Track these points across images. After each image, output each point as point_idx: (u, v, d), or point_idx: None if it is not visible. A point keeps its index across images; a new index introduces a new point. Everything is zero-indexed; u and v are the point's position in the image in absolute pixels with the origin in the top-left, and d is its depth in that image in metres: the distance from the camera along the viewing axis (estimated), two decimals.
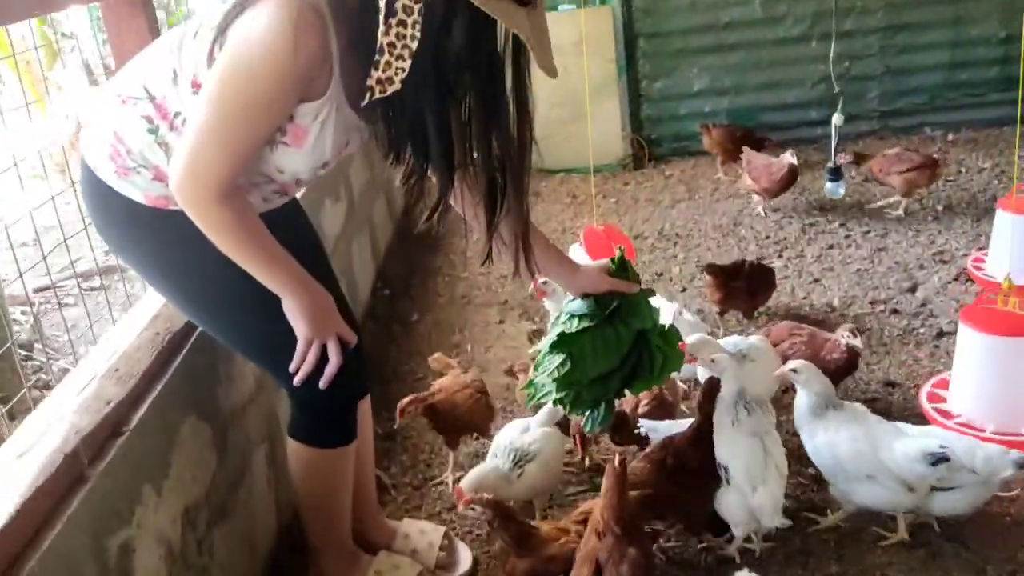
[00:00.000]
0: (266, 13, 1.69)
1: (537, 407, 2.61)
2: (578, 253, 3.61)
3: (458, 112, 1.89)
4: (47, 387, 3.82)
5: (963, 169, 5.18)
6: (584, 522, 2.20)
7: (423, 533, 2.56)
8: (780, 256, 4.29)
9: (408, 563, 2.44)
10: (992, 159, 5.27)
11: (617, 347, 2.31)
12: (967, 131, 5.77)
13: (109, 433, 1.83)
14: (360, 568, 2.39)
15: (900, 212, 4.59)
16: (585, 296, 2.35)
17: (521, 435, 2.56)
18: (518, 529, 2.11)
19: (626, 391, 2.37)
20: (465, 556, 2.54)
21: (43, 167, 2.53)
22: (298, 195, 2.29)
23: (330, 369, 2.00)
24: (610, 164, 5.91)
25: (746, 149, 4.85)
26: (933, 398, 2.73)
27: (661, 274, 4.27)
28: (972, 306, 2.73)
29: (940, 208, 4.66)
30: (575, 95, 5.45)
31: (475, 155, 1.96)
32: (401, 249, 4.96)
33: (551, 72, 1.81)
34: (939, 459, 2.22)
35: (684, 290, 4.08)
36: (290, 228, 2.16)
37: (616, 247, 2.47)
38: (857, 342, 2.73)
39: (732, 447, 2.37)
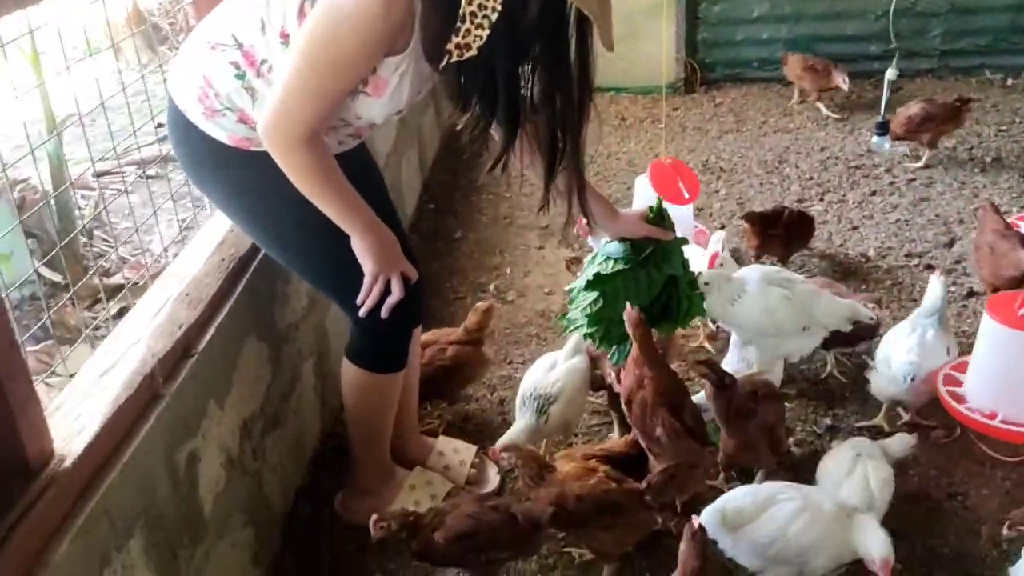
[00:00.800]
0: None
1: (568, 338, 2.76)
2: (643, 185, 3.67)
3: (527, 74, 2.01)
4: (107, 274, 4.03)
5: (1017, 119, 5.11)
6: (605, 458, 2.37)
7: (456, 452, 2.76)
8: (821, 200, 4.32)
9: (440, 479, 2.65)
10: None
11: (648, 290, 2.49)
12: None
13: (180, 355, 2.01)
14: (395, 482, 2.60)
15: (922, 163, 4.57)
16: (622, 240, 2.50)
17: (545, 375, 2.65)
18: (539, 470, 2.27)
19: (653, 331, 2.50)
20: (493, 475, 2.74)
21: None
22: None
23: (391, 301, 2.16)
24: (660, 86, 5.88)
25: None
26: (949, 380, 2.75)
27: (701, 209, 4.33)
28: (998, 297, 2.75)
29: (988, 160, 4.64)
30: (630, 12, 5.42)
31: (539, 114, 2.08)
32: (448, 160, 5.05)
33: (610, 47, 1.90)
34: None
35: (722, 227, 4.14)
36: (360, 169, 2.29)
37: (657, 198, 2.58)
38: (873, 315, 2.81)
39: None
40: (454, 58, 1.87)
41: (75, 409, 1.74)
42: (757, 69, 6.00)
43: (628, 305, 2.38)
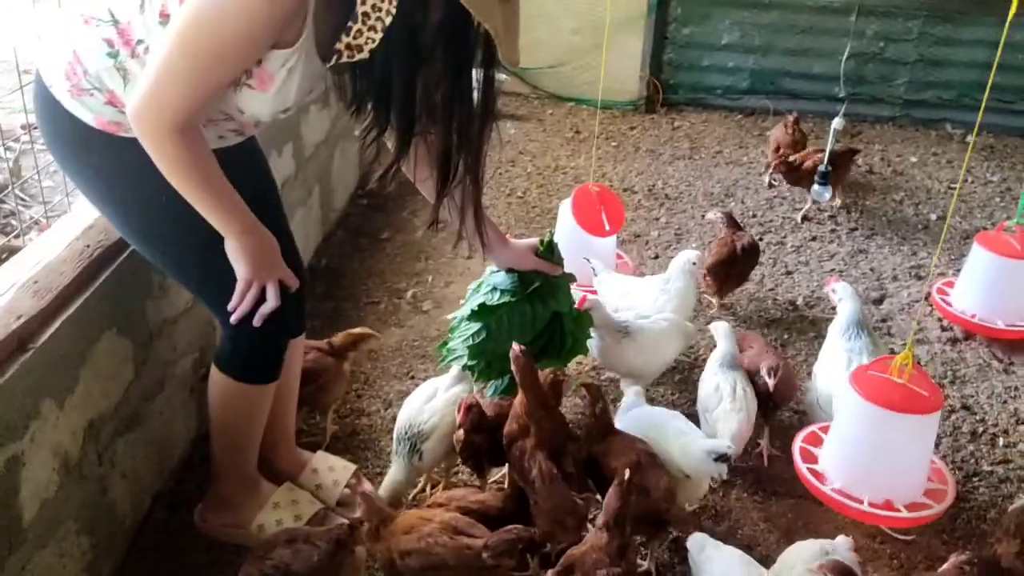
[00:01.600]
0: None
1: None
2: (565, 210, 3.55)
3: (425, 83, 1.90)
4: (17, 236, 3.83)
5: (970, 178, 5.06)
6: (475, 511, 2.22)
7: (331, 470, 2.62)
8: (760, 239, 4.24)
9: (308, 499, 2.50)
10: (1002, 172, 5.15)
11: (533, 325, 2.42)
12: (987, 135, 5.62)
13: (13, 348, 1.85)
14: (259, 497, 2.45)
15: (804, 212, 4.47)
16: (510, 271, 2.41)
17: (420, 409, 2.49)
18: (378, 524, 2.14)
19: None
20: None
21: None
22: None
23: (264, 309, 2.03)
24: (621, 102, 5.78)
25: None
26: (806, 455, 2.62)
27: (639, 236, 4.23)
28: (862, 369, 2.56)
29: (933, 218, 4.58)
30: (599, 25, 5.32)
31: (436, 126, 1.99)
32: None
33: (513, 64, 1.85)
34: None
35: (656, 257, 4.05)
36: (244, 167, 2.16)
37: (548, 232, 2.51)
38: (770, 383, 2.69)
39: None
40: (344, 59, 1.79)
41: None
42: (720, 96, 5.90)
43: (515, 344, 2.26)
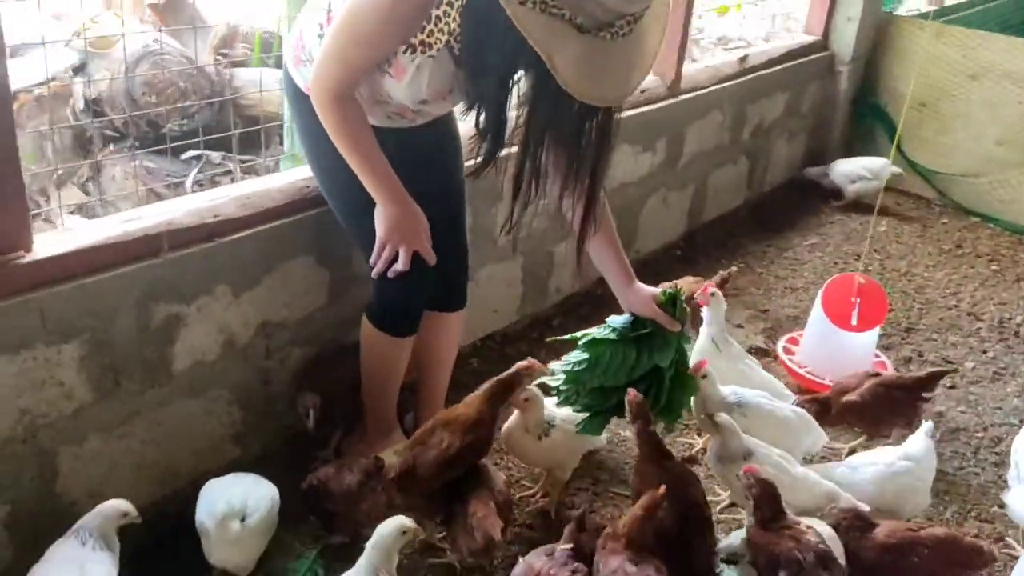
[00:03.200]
0: None
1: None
2: (817, 297, 3.35)
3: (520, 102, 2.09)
4: None
5: None
6: None
7: None
8: None
9: None
10: None
11: (631, 370, 2.40)
12: None
13: (202, 238, 2.39)
14: (390, 440, 2.77)
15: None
16: (633, 315, 2.42)
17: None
18: None
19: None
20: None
21: None
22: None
23: (394, 268, 2.34)
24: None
25: None
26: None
27: (949, 362, 3.72)
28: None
29: None
30: None
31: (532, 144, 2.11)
32: None
33: (572, 89, 1.86)
34: None
35: (952, 387, 3.56)
36: (429, 146, 2.50)
37: (682, 287, 2.45)
38: None
39: None
40: (417, 52, 2.06)
41: (64, 237, 2.20)
42: None
43: (631, 390, 2.31)
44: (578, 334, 2.55)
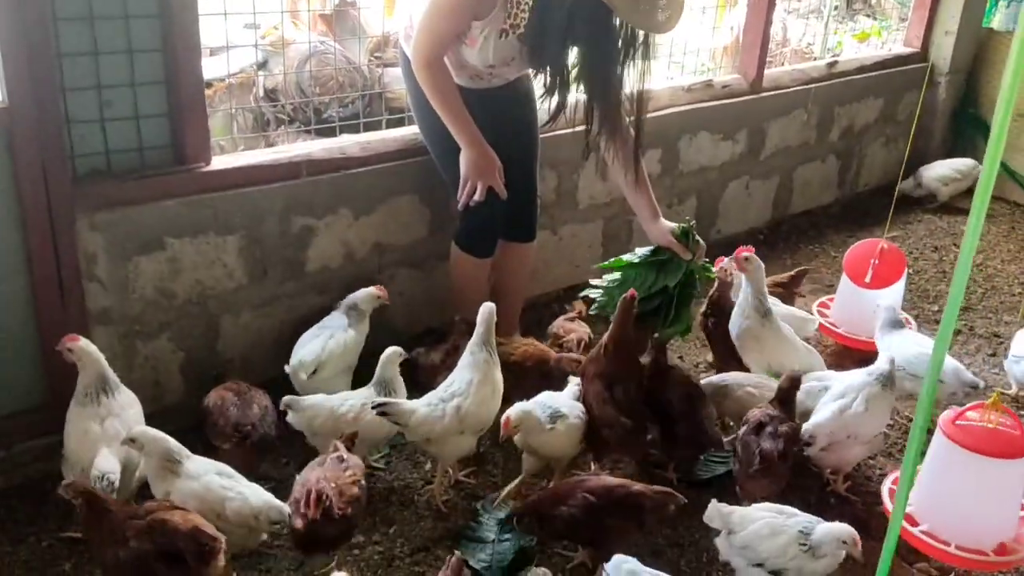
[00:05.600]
0: None
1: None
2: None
3: (580, 52, 2.84)
4: None
5: None
6: None
7: None
8: None
9: None
10: None
11: (648, 288, 3.03)
12: None
13: (332, 169, 3.18)
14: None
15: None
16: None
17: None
18: None
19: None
20: None
21: None
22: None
23: (473, 198, 3.05)
24: None
25: None
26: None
27: (981, 336, 4.04)
28: (954, 416, 2.54)
29: None
30: None
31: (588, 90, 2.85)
32: None
33: (647, 28, 2.64)
34: None
35: (977, 352, 3.88)
36: (505, 102, 3.20)
37: (685, 222, 3.01)
38: None
39: None
40: (511, 35, 2.76)
41: (232, 157, 3.03)
42: None
43: (632, 289, 2.90)
44: (613, 260, 3.16)
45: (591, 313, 3.18)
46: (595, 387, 2.79)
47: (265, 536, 2.47)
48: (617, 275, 3.11)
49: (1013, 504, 2.55)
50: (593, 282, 3.18)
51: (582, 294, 3.22)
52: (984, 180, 1.45)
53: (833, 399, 2.81)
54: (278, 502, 2.37)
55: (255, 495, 2.38)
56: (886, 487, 2.76)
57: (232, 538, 2.26)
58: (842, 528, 2.30)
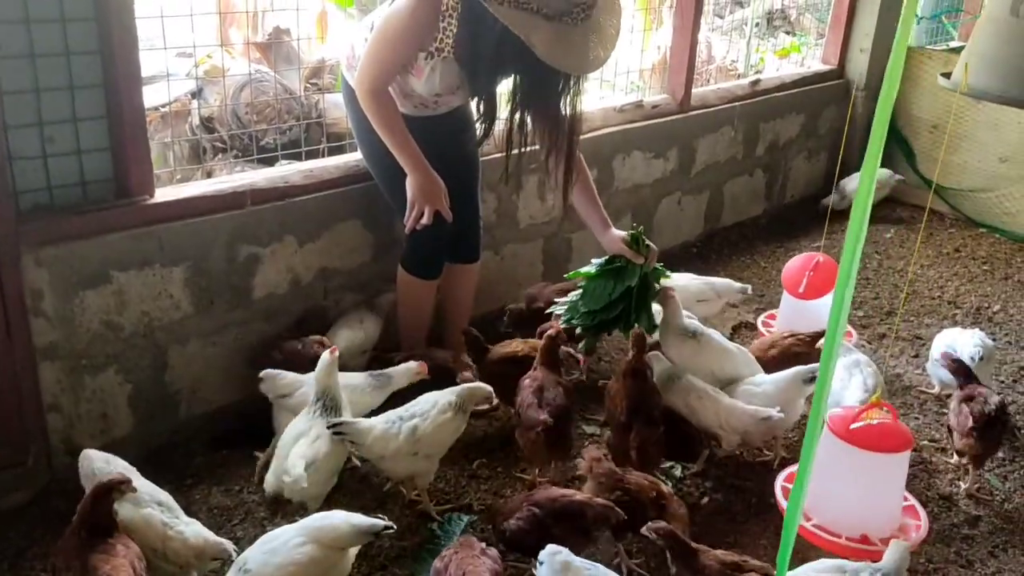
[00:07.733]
0: (405, 3, 2.86)
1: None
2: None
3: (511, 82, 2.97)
4: None
5: None
6: None
7: None
8: None
9: None
10: None
11: (608, 295, 3.19)
12: None
13: (275, 197, 3.22)
14: None
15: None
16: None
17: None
18: None
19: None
20: None
21: None
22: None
23: (419, 222, 3.11)
24: None
25: None
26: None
27: (917, 338, 4.24)
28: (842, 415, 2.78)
29: None
30: None
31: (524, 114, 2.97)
32: None
33: (568, 68, 2.80)
34: None
35: (900, 354, 4.07)
36: (449, 136, 3.29)
37: (635, 229, 3.17)
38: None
39: None
40: (436, 56, 2.83)
41: (176, 189, 3.06)
42: None
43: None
44: (572, 272, 3.30)
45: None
46: (525, 389, 2.91)
47: None
48: (578, 290, 3.25)
49: (896, 496, 2.81)
50: (557, 300, 3.32)
51: (548, 310, 3.36)
52: (861, 189, 1.51)
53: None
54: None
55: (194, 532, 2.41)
56: (779, 484, 2.95)
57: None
58: None
